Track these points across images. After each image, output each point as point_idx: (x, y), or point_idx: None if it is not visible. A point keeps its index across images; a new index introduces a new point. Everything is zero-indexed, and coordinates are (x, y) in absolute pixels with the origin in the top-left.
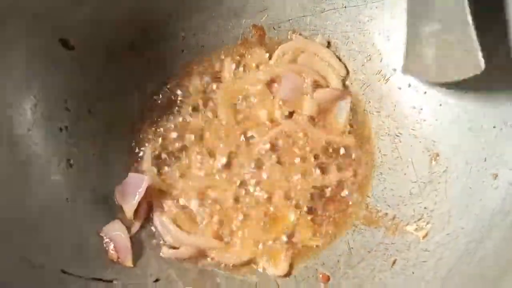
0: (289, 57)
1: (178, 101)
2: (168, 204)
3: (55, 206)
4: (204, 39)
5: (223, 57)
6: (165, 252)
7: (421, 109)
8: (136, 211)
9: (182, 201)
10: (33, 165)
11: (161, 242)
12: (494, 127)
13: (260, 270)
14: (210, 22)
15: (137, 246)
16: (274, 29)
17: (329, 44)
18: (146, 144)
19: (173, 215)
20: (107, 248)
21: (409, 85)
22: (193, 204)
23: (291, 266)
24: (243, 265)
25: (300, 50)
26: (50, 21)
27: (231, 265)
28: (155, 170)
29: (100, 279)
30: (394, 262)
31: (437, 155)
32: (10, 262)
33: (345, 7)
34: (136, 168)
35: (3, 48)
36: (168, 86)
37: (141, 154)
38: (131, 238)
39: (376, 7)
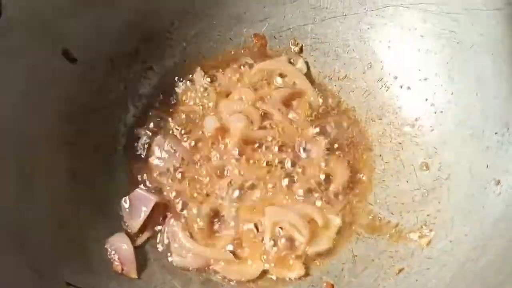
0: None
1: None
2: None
3: (59, 218)
4: (206, 48)
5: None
6: (174, 260)
7: (423, 116)
8: (143, 224)
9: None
10: (37, 177)
11: (171, 250)
12: (496, 133)
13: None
14: (212, 30)
15: (142, 257)
16: (275, 37)
17: (308, 70)
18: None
19: (185, 225)
20: (111, 260)
21: (409, 88)
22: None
23: (306, 268)
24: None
25: (277, 72)
26: (53, 32)
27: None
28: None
29: None
30: (398, 270)
31: (439, 162)
32: (18, 271)
33: (346, 15)
34: (143, 180)
35: (5, 60)
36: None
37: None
38: (135, 249)
39: (376, 15)
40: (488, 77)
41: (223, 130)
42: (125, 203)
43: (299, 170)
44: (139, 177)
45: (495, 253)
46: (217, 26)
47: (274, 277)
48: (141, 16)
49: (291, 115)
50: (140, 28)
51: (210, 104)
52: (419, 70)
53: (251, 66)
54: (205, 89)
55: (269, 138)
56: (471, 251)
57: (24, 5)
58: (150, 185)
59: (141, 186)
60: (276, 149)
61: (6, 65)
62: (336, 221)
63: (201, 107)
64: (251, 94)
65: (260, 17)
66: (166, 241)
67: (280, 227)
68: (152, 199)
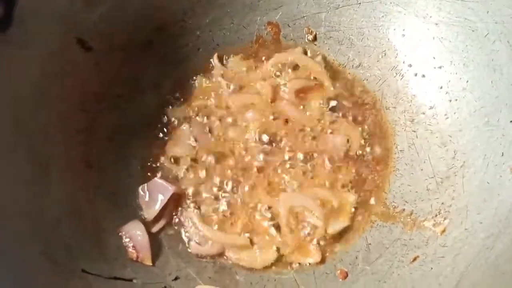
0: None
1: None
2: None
3: (74, 207)
4: (220, 36)
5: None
6: (192, 247)
7: (437, 104)
8: (160, 212)
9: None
10: (52, 166)
11: (188, 238)
12: (511, 121)
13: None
14: (225, 18)
15: (156, 245)
16: (289, 26)
17: (326, 63)
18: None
19: (201, 213)
20: (126, 247)
21: (424, 76)
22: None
23: (323, 253)
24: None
25: (292, 64)
26: (68, 22)
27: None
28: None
29: (120, 278)
30: (412, 258)
31: (454, 150)
32: (33, 257)
33: (360, 3)
34: (158, 168)
35: (19, 50)
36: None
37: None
38: (150, 237)
39: (391, 3)
40: (503, 65)
41: None
42: (143, 191)
43: (315, 159)
44: (154, 165)
45: (510, 241)
46: (231, 15)
47: (288, 263)
48: (154, 5)
49: (306, 106)
50: (154, 17)
51: (225, 94)
52: (434, 58)
53: (265, 57)
54: (220, 78)
55: (284, 130)
56: (486, 239)
57: None
58: (166, 174)
59: (158, 174)
60: (291, 139)
61: (21, 54)
62: (351, 198)
63: (216, 97)
64: (266, 87)
65: (274, 6)
66: (181, 229)
67: (295, 212)
68: (170, 188)
